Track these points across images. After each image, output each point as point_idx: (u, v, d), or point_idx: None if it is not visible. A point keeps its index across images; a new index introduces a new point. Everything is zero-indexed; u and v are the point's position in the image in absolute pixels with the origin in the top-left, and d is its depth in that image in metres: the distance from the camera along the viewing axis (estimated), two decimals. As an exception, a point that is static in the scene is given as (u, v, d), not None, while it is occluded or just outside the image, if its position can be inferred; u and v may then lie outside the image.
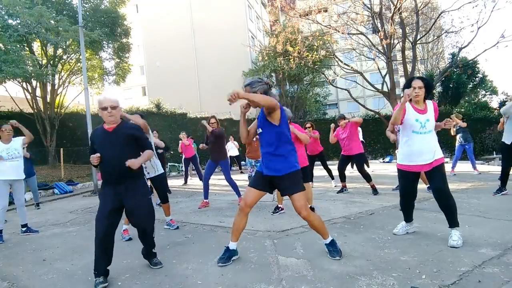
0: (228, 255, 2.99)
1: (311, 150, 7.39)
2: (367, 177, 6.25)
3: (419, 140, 3.25)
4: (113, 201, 2.80)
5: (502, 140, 5.29)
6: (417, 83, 3.24)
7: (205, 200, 5.88)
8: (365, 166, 6.74)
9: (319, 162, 7.60)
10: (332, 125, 6.62)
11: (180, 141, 9.94)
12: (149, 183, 4.35)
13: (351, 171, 9.73)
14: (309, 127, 7.20)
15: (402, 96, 3.40)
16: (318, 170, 7.88)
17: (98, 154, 2.77)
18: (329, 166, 7.71)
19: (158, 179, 4.39)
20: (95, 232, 2.75)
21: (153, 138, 4.60)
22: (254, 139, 4.39)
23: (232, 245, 3.04)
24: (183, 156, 10.28)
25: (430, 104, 3.32)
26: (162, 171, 4.48)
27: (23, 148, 4.96)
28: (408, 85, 3.33)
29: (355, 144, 6.33)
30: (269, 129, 2.88)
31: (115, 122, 2.90)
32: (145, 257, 3.13)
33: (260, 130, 2.95)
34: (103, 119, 2.91)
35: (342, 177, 6.52)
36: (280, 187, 2.98)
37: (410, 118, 3.27)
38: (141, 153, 2.96)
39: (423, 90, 3.23)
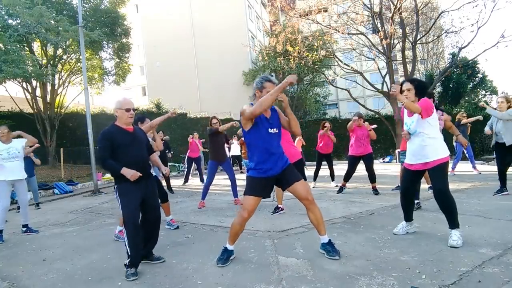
0: (227, 256, 3.01)
1: (326, 148, 7.44)
2: (373, 177, 6.23)
3: (411, 141, 3.41)
4: (139, 196, 2.97)
5: (497, 140, 5.37)
6: (406, 86, 3.31)
7: (202, 201, 5.90)
8: None
9: (324, 162, 7.65)
10: (356, 118, 6.34)
11: (191, 138, 10.05)
12: None
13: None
14: (326, 127, 7.24)
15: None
16: (320, 171, 7.87)
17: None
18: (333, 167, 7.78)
19: (157, 180, 4.41)
20: (130, 228, 2.85)
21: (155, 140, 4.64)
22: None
23: (230, 247, 3.06)
24: (187, 155, 10.30)
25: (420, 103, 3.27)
26: (159, 172, 4.54)
27: (28, 149, 4.98)
28: (400, 90, 3.35)
29: (368, 144, 6.34)
30: (280, 131, 3.07)
31: (131, 123, 3.11)
32: (144, 257, 3.11)
33: (275, 130, 2.99)
34: (122, 120, 3.04)
35: (348, 178, 6.49)
36: (285, 180, 3.00)
37: (404, 122, 3.51)
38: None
39: (412, 91, 3.26)
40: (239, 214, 3.00)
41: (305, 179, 5.05)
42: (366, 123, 6.41)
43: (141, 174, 2.89)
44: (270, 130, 2.96)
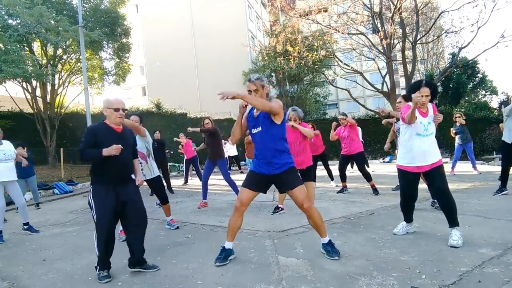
0: (225, 255, 3.00)
1: (313, 150, 7.39)
2: (367, 177, 6.25)
3: (421, 142, 3.28)
4: (115, 199, 2.88)
5: (502, 138, 5.32)
6: (425, 91, 3.21)
7: (203, 201, 5.90)
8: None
9: (320, 163, 7.62)
10: (334, 123, 6.64)
11: (180, 145, 10.04)
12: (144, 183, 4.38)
13: (351, 171, 9.73)
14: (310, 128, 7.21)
15: (408, 96, 3.41)
16: (319, 170, 7.87)
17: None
18: (330, 167, 7.76)
19: (155, 181, 4.39)
20: (99, 230, 2.79)
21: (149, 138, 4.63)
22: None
23: (228, 245, 3.05)
24: (185, 157, 10.36)
25: (430, 107, 3.34)
26: (158, 173, 4.50)
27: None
28: (416, 89, 3.25)
29: (355, 143, 6.35)
30: (270, 128, 2.92)
31: (121, 123, 3.03)
32: (137, 265, 2.93)
33: (259, 129, 2.95)
34: (110, 119, 2.97)
35: (343, 177, 6.52)
36: (281, 183, 3.01)
37: (418, 122, 3.33)
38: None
39: (429, 97, 3.25)
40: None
41: (313, 180, 5.08)
42: (348, 118, 6.47)
43: (121, 147, 2.82)
44: (254, 130, 3.00)
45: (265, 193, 3.12)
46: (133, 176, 3.21)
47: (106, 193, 2.86)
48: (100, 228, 2.79)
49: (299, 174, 4.77)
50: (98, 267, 2.84)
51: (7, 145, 4.73)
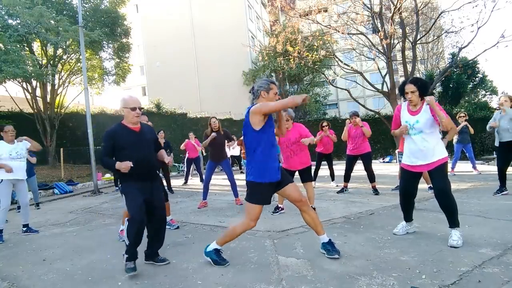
0: (221, 255, 3.00)
1: (326, 149, 7.39)
2: (372, 177, 6.22)
3: (410, 142, 3.31)
4: (143, 194, 2.94)
5: (495, 144, 5.45)
6: (409, 88, 3.23)
7: (204, 201, 5.90)
8: None
9: (324, 162, 7.65)
10: (348, 121, 6.44)
11: (187, 140, 10.03)
12: None
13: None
14: (325, 126, 7.16)
15: (402, 97, 3.40)
16: (320, 170, 7.86)
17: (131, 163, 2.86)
18: (333, 167, 7.82)
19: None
20: (133, 222, 2.80)
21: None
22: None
23: (219, 247, 3.02)
24: (186, 156, 10.33)
25: (426, 105, 3.26)
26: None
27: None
28: (402, 89, 3.32)
29: (365, 143, 6.31)
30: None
31: (138, 122, 3.06)
32: (149, 257, 3.11)
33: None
34: (128, 119, 3.01)
35: (347, 178, 6.46)
36: (282, 180, 3.00)
37: (402, 120, 3.36)
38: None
39: (416, 94, 3.22)
40: (245, 223, 2.89)
41: (313, 180, 5.08)
42: (358, 118, 6.31)
43: (131, 165, 2.83)
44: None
45: (270, 203, 3.09)
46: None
47: (135, 188, 2.92)
48: (134, 221, 2.80)
49: (299, 175, 4.79)
50: (126, 257, 2.82)
51: (19, 144, 4.83)
